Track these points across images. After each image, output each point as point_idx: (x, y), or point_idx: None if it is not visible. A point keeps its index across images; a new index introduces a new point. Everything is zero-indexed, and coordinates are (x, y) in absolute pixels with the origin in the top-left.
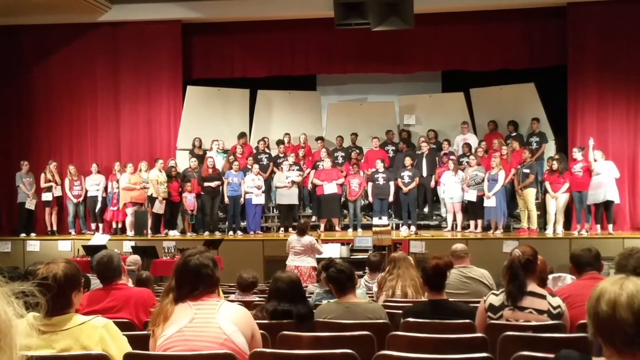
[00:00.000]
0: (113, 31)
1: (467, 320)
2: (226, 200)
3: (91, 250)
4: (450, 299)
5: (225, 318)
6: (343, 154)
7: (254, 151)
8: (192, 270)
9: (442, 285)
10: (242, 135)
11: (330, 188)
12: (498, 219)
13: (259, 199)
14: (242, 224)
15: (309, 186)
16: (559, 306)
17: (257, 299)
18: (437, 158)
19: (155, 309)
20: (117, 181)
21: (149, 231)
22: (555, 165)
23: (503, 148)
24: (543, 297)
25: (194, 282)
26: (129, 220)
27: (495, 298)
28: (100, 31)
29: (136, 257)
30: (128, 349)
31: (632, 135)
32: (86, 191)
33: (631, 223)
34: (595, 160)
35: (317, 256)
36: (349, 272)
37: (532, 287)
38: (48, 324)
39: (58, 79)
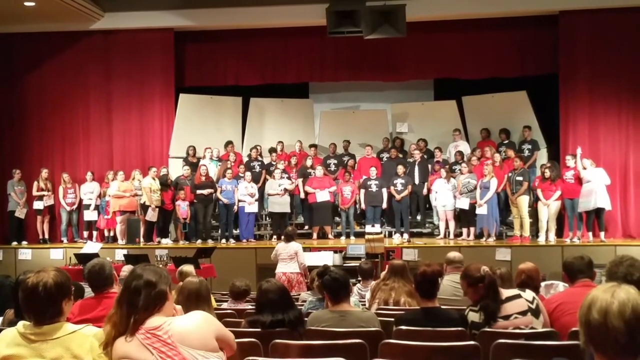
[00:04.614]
0: (105, 39)
1: (459, 328)
2: (220, 203)
3: (83, 258)
4: (442, 306)
5: (184, 348)
6: (336, 162)
7: (246, 159)
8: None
9: (432, 293)
10: (228, 143)
11: (322, 196)
12: (490, 226)
13: (252, 207)
14: (235, 232)
15: (301, 194)
16: (534, 298)
17: (250, 307)
18: (429, 166)
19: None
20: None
21: (141, 239)
22: (547, 173)
23: (495, 156)
24: (518, 296)
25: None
26: (119, 228)
27: (475, 315)
28: (92, 39)
29: (132, 267)
30: None
31: (623, 142)
32: (80, 199)
33: (623, 230)
34: (584, 168)
35: (307, 264)
36: (343, 280)
37: (502, 293)
38: (38, 332)
39: (50, 87)
